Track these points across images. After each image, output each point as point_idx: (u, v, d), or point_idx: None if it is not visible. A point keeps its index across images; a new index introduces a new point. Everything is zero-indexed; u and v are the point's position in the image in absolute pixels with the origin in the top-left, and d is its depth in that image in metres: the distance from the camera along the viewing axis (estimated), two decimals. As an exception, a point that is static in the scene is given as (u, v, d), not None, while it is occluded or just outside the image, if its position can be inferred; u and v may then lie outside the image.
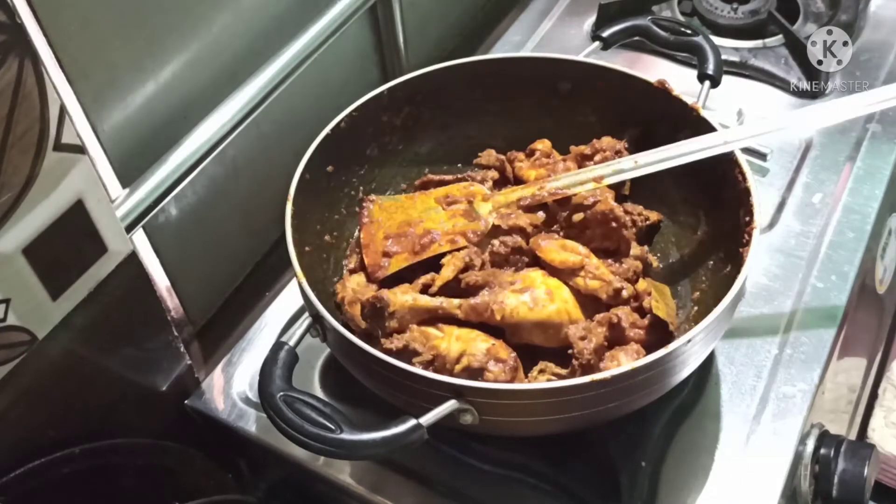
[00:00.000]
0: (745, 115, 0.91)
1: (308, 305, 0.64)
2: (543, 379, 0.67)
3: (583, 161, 0.78)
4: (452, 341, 0.66)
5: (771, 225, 0.84)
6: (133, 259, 0.64)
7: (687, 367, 0.63)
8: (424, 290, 0.69)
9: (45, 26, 0.57)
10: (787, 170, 0.89)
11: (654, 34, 0.86)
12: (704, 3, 1.04)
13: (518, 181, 0.79)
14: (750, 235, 0.66)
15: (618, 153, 0.77)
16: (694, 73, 0.81)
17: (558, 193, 0.74)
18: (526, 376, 0.67)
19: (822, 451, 0.71)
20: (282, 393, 0.58)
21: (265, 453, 0.73)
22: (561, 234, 0.74)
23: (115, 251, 0.62)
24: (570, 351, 0.65)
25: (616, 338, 0.67)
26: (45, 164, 0.54)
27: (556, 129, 0.82)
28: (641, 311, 0.69)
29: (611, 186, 0.74)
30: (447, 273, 0.70)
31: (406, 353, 0.65)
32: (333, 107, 0.76)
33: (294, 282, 0.66)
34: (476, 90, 0.82)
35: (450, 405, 0.57)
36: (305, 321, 0.64)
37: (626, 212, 0.74)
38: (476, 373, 0.64)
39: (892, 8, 1.06)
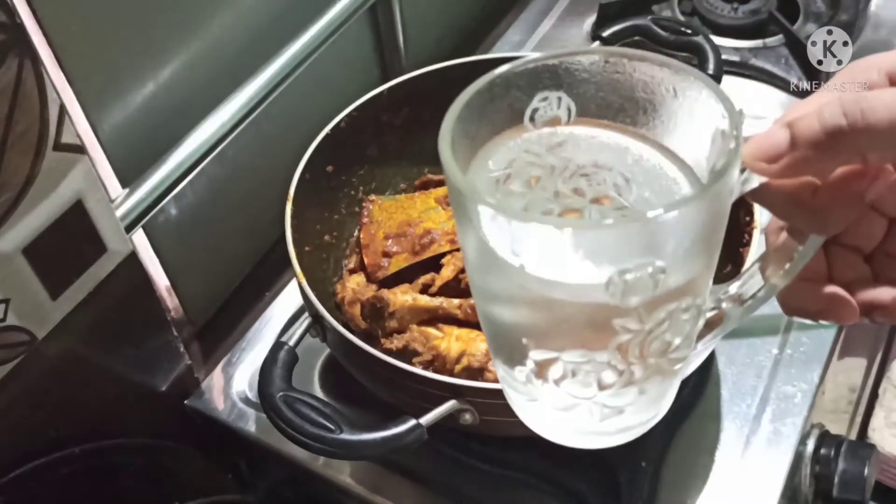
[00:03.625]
0: (745, 116, 0.90)
1: (308, 305, 0.64)
2: (543, 379, 0.66)
3: (583, 161, 0.78)
4: (452, 341, 0.66)
5: (771, 225, 0.84)
6: (133, 259, 0.64)
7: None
8: (424, 290, 0.69)
9: (45, 26, 0.57)
10: (788, 169, 0.88)
11: (654, 34, 0.86)
12: (705, 3, 1.04)
13: (518, 181, 0.79)
14: (750, 235, 0.66)
15: (618, 153, 0.77)
16: (694, 73, 0.81)
17: (558, 193, 0.74)
18: (526, 376, 0.67)
19: (823, 451, 0.71)
20: (282, 393, 0.58)
21: (265, 453, 0.73)
22: (561, 234, 0.74)
23: (114, 251, 0.62)
24: (570, 351, 0.65)
25: (616, 338, 0.67)
26: (44, 164, 0.54)
27: (556, 129, 0.82)
28: (641, 311, 0.68)
29: (611, 186, 0.74)
30: (447, 273, 0.70)
31: (406, 353, 0.65)
32: (333, 107, 0.75)
33: (294, 282, 0.66)
34: (476, 90, 0.82)
35: (450, 405, 0.57)
36: (305, 321, 0.64)
37: (627, 212, 0.74)
38: (476, 373, 0.64)
39: (892, 8, 1.05)
